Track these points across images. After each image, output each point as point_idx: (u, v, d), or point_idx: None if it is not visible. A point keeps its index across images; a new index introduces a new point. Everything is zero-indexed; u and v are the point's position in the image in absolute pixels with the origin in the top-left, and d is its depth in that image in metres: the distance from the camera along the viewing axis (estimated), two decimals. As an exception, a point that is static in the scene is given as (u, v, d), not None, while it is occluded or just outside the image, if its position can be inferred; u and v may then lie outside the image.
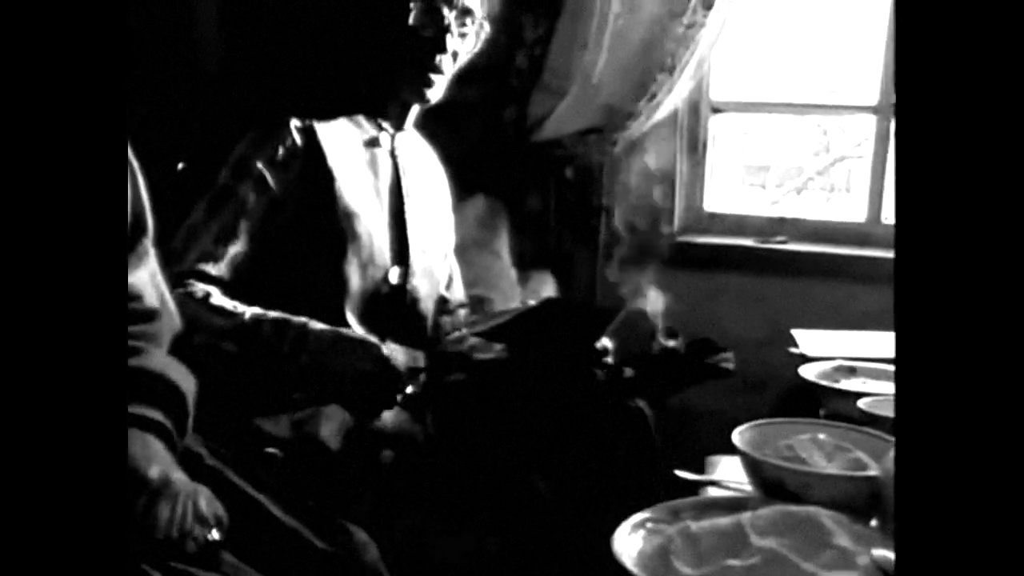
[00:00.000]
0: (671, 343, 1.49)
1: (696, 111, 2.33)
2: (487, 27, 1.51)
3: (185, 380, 1.02)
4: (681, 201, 2.35)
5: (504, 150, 2.24)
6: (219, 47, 2.20)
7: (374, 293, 1.48)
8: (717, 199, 2.41)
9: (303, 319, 1.35)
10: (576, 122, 2.17)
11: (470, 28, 1.47)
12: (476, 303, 1.79)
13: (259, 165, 1.41)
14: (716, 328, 1.70)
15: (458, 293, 1.70)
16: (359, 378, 1.31)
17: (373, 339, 1.36)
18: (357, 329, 1.44)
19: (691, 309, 1.64)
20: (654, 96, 2.11)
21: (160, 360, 1.02)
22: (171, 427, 0.98)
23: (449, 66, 1.47)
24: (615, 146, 2.19)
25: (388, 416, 1.41)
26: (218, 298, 1.37)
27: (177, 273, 1.34)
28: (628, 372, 1.46)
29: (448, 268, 1.68)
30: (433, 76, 1.45)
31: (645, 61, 2.08)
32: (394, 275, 1.51)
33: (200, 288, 1.37)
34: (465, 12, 1.45)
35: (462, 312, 1.69)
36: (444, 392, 1.54)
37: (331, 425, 1.35)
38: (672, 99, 2.14)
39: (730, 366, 1.49)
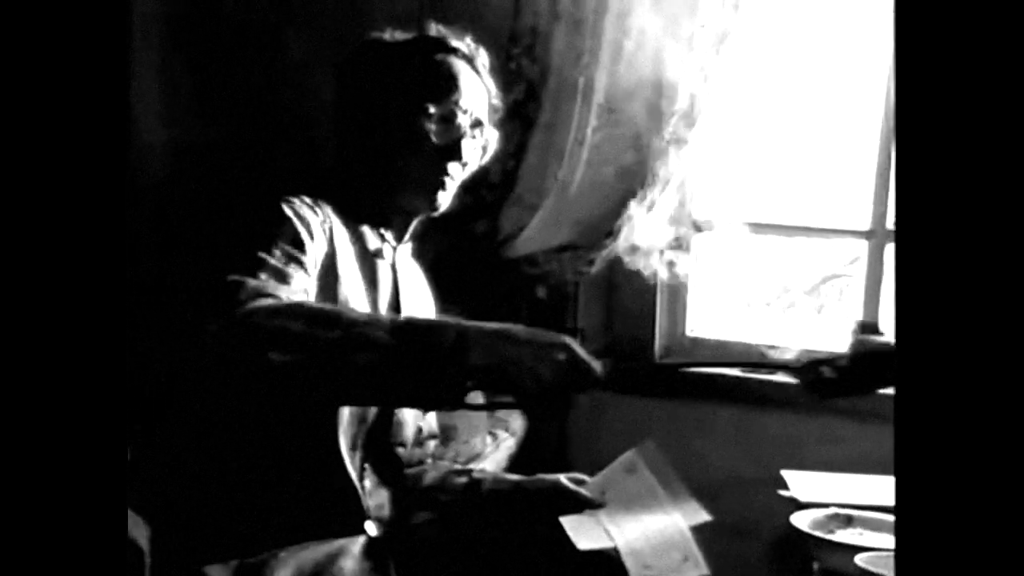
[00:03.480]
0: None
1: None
2: (496, 140, 1.55)
3: None
4: (661, 326, 2.34)
5: (474, 265, 2.23)
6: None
7: (362, 414, 1.43)
8: (700, 323, 2.39)
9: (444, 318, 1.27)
10: (550, 238, 2.17)
11: (480, 139, 1.51)
12: (444, 431, 1.77)
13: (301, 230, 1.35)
14: (700, 465, 1.67)
15: (432, 422, 1.66)
16: (556, 369, 1.17)
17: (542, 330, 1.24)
18: (344, 452, 1.39)
19: (673, 441, 1.61)
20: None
21: None
22: None
23: (459, 175, 1.50)
24: (591, 265, 2.18)
25: (348, 565, 1.36)
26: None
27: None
28: (827, 372, 1.37)
29: None
30: (447, 183, 1.47)
31: (624, 177, 2.09)
32: None
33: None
34: (477, 123, 1.49)
35: (432, 443, 1.66)
36: (409, 537, 1.50)
37: (286, 572, 1.30)
38: (652, 217, 2.14)
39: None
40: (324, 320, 1.14)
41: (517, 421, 2.10)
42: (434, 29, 1.52)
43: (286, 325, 1.13)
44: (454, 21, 1.55)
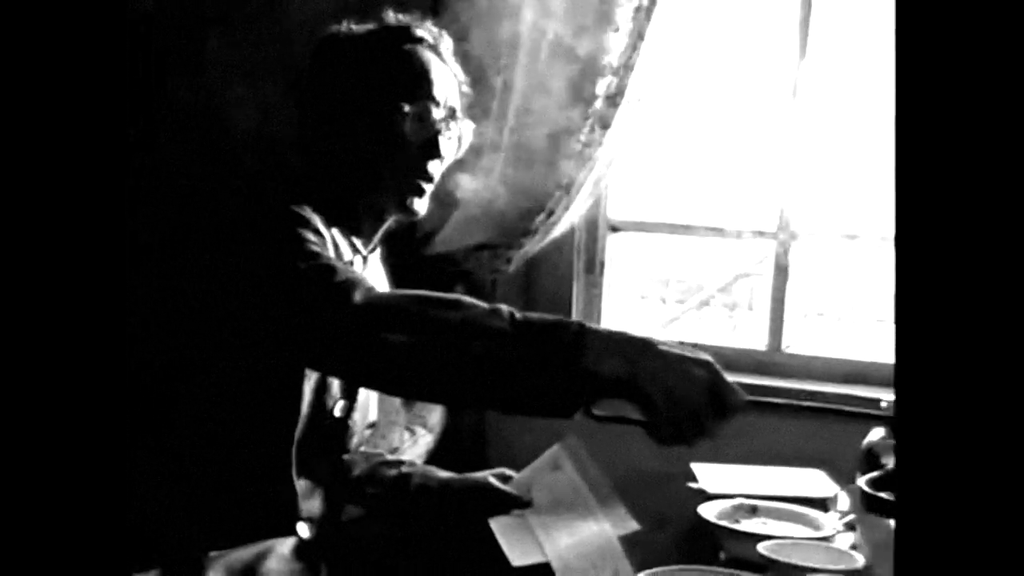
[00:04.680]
0: None
1: (593, 229, 2.40)
2: (470, 129, 1.49)
3: None
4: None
5: (392, 264, 2.25)
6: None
7: (317, 423, 1.39)
8: (614, 320, 2.46)
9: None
10: (468, 237, 2.21)
11: (455, 130, 1.44)
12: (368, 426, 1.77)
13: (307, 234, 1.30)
14: (614, 459, 1.71)
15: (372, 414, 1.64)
16: (695, 389, 1.06)
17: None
18: (292, 457, 1.37)
19: (589, 437, 1.65)
20: (551, 213, 2.16)
21: None
22: None
23: (438, 173, 1.44)
24: (509, 263, 2.23)
25: (277, 566, 1.35)
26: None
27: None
28: None
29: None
30: (425, 184, 1.41)
31: (541, 177, 2.14)
32: (339, 408, 1.44)
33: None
34: (452, 113, 1.43)
35: (367, 432, 1.61)
36: (340, 536, 1.49)
37: (215, 574, 1.28)
38: (569, 217, 2.20)
39: None
40: (445, 304, 1.10)
41: (435, 417, 2.14)
42: (393, 18, 1.45)
43: (408, 308, 1.09)
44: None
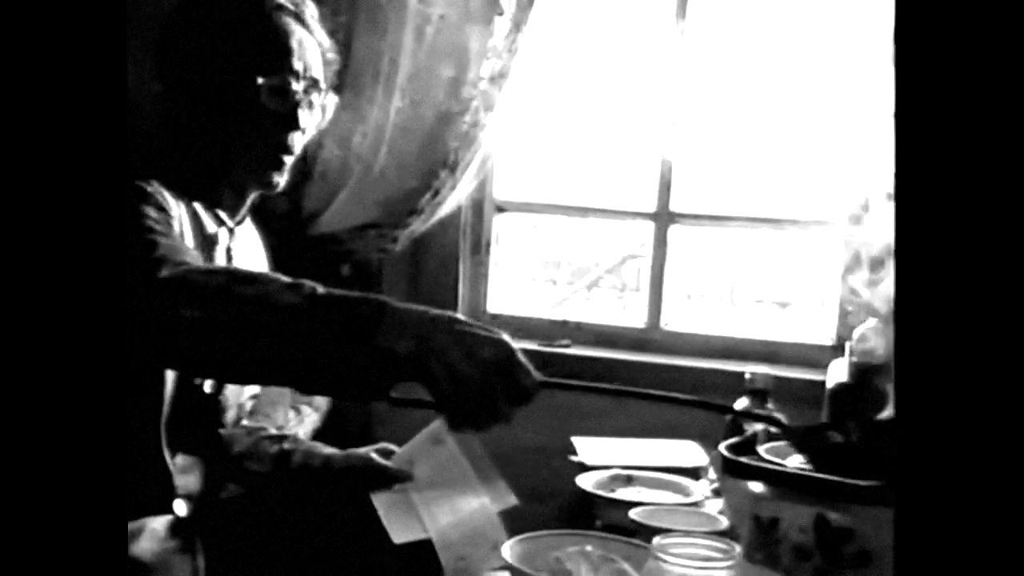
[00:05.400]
0: None
1: (479, 210, 2.44)
2: (334, 99, 1.47)
3: None
4: (463, 303, 2.44)
5: (278, 244, 2.24)
6: None
7: (185, 398, 1.37)
8: (501, 300, 2.51)
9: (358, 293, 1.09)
10: (354, 217, 2.22)
11: (317, 100, 1.42)
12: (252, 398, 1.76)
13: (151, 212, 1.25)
14: (497, 434, 1.76)
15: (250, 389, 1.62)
16: (482, 370, 0.99)
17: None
18: (162, 433, 1.35)
19: None
20: (437, 193, 2.19)
21: None
22: None
23: (299, 145, 1.42)
24: (395, 243, 2.25)
25: (149, 545, 1.34)
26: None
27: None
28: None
29: None
30: (285, 157, 1.39)
31: (427, 157, 2.17)
32: (209, 384, 1.42)
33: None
34: (313, 83, 1.40)
35: (249, 404, 1.61)
36: (217, 514, 1.48)
37: None
38: (455, 197, 2.23)
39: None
40: (245, 279, 1.05)
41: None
42: None
43: (209, 281, 1.04)
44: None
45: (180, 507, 1.40)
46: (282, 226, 2.21)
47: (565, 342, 2.41)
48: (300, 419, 2.07)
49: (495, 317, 2.47)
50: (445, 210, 2.25)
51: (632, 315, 2.57)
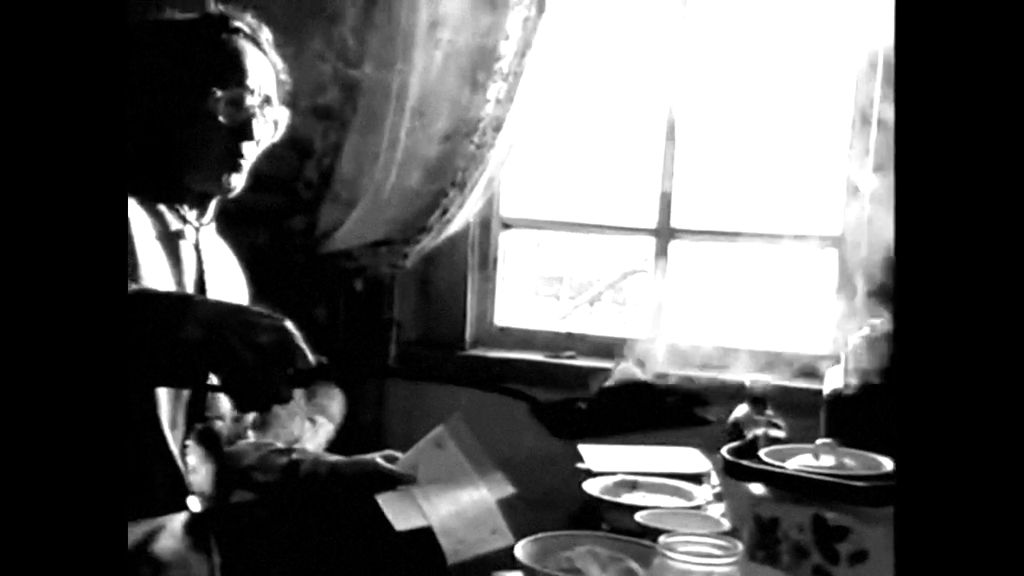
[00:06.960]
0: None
1: (487, 227, 2.52)
2: (286, 113, 1.54)
3: None
4: (472, 316, 2.51)
5: (291, 260, 2.32)
6: None
7: (180, 395, 1.43)
8: (508, 314, 2.58)
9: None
10: (366, 234, 2.30)
11: (270, 115, 1.50)
12: (263, 416, 1.80)
13: None
14: (507, 441, 1.80)
15: None
16: (257, 352, 1.05)
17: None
18: (165, 429, 1.40)
19: (483, 422, 1.71)
20: (445, 211, 2.27)
21: None
22: None
23: (252, 154, 1.49)
24: (406, 259, 2.33)
25: (169, 543, 1.38)
26: None
27: None
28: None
29: None
30: (240, 162, 1.47)
31: (436, 177, 2.25)
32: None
33: None
34: (267, 100, 1.49)
35: (249, 417, 1.68)
36: (231, 514, 1.54)
37: None
38: (463, 215, 2.31)
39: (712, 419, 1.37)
40: None
41: (335, 407, 2.21)
42: (215, 8, 1.51)
43: None
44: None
45: (194, 503, 1.44)
46: (298, 243, 2.28)
47: (570, 353, 2.47)
48: (315, 430, 2.12)
49: (503, 330, 2.54)
50: (454, 227, 2.33)
51: (633, 328, 2.63)
